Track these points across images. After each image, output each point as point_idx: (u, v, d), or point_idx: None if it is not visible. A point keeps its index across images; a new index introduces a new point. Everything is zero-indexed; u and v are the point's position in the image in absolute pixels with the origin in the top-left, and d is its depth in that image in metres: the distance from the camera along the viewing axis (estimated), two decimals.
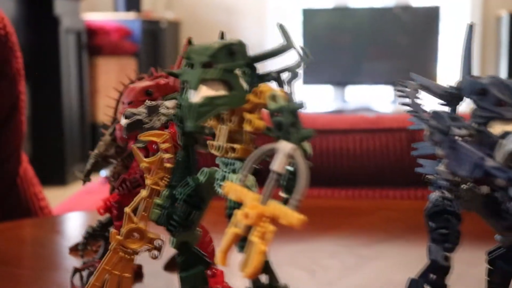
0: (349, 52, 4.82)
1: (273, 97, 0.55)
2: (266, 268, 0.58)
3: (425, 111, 0.61)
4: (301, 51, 0.59)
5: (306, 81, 4.87)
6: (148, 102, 0.71)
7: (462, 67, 0.66)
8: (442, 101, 0.66)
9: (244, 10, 5.10)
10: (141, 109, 0.74)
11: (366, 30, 4.83)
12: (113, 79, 4.36)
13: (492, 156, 0.56)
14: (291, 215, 0.52)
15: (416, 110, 0.61)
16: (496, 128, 0.61)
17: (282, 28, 0.60)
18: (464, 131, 0.57)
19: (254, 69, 0.60)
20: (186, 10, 5.20)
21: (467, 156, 0.56)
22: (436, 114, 0.59)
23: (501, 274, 0.69)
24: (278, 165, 0.53)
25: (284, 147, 0.53)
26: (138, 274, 0.88)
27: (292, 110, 0.54)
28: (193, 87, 0.55)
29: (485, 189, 0.68)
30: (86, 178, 0.86)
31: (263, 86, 0.57)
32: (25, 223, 1.33)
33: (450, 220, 0.62)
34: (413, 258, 0.90)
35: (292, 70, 0.57)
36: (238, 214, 0.53)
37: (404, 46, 4.73)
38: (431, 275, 0.62)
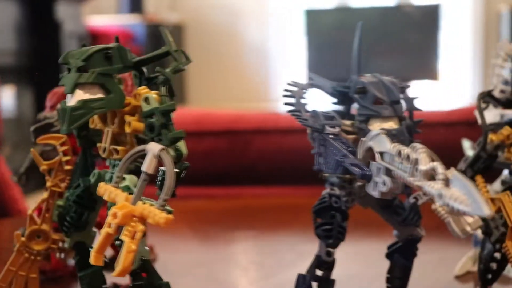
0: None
1: (146, 100, 0.57)
2: (146, 266, 0.59)
3: (307, 111, 0.63)
4: (178, 56, 0.60)
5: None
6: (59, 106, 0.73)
7: (352, 66, 0.68)
8: (334, 100, 0.67)
9: (247, 12, 5.11)
10: (54, 113, 0.77)
11: (369, 29, 4.82)
12: None
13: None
14: (158, 215, 0.53)
15: (299, 109, 0.62)
16: (375, 125, 0.62)
17: (163, 31, 0.61)
18: (337, 129, 0.59)
19: (141, 72, 0.62)
20: (190, 12, 5.22)
21: (333, 154, 0.57)
22: (313, 113, 0.60)
23: (400, 268, 0.70)
24: (147, 166, 0.55)
25: (153, 148, 0.55)
26: (73, 274, 0.90)
27: (163, 112, 0.56)
28: (68, 91, 0.57)
29: None
30: (20, 181, 0.88)
31: (141, 89, 0.59)
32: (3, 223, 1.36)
33: (335, 217, 0.63)
34: (353, 254, 0.91)
35: (166, 73, 0.59)
36: (109, 214, 0.55)
37: (407, 44, 4.72)
38: (318, 271, 0.63)
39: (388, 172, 0.54)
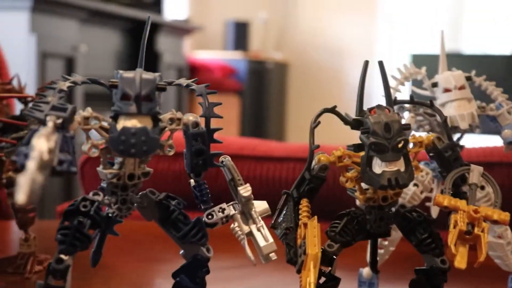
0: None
1: None
2: None
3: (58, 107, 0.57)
4: None
5: None
6: None
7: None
8: None
9: (352, 53, 5.05)
10: None
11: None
12: None
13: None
14: None
15: (44, 102, 0.57)
16: (120, 123, 0.57)
17: None
18: (60, 120, 0.53)
19: None
20: (295, 52, 5.23)
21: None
22: (38, 106, 0.55)
23: None
24: None
25: None
26: None
27: None
28: None
29: (162, 196, 0.63)
30: None
31: None
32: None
33: (75, 222, 0.58)
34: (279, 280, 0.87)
35: None
36: None
37: None
38: (50, 278, 0.58)
39: None
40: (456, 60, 4.79)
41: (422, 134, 0.72)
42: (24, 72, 3.04)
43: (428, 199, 0.85)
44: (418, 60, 4.95)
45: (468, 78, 0.83)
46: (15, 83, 0.97)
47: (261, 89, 4.98)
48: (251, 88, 4.86)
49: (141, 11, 3.88)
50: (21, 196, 0.39)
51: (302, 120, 5.22)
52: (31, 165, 0.41)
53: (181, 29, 4.33)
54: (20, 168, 0.45)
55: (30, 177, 0.40)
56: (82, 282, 0.85)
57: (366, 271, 0.84)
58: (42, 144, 0.44)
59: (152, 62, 4.11)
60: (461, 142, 0.86)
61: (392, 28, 5.09)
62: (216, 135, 0.64)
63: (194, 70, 4.52)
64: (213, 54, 4.83)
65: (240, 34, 4.97)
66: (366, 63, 0.68)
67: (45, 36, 3.01)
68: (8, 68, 1.64)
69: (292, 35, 5.29)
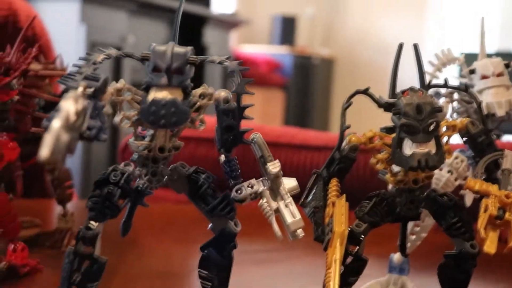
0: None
1: None
2: None
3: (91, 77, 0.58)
4: None
5: None
6: None
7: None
8: None
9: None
10: None
11: None
12: (259, 109, 4.47)
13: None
14: None
15: (77, 72, 0.57)
16: (151, 94, 0.58)
17: None
18: (91, 89, 0.54)
19: None
20: (342, 48, 5.21)
21: None
22: (71, 76, 0.56)
23: (215, 264, 0.65)
24: None
25: None
26: None
27: None
28: None
29: (191, 169, 0.64)
30: None
31: None
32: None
33: (110, 192, 0.59)
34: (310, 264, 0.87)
35: None
36: None
37: None
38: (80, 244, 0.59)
39: None
40: (507, 59, 4.71)
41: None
42: (73, 61, 3.09)
43: (462, 187, 0.83)
44: (469, 59, 4.88)
45: (507, 66, 0.82)
46: (58, 63, 0.99)
47: (306, 85, 4.97)
48: (296, 83, 4.86)
49: (189, 4, 3.90)
50: (44, 151, 0.39)
51: (347, 116, 5.18)
52: (56, 123, 0.42)
53: (228, 23, 4.35)
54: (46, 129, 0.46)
55: (55, 134, 0.41)
56: (117, 256, 0.87)
57: (397, 256, 0.84)
58: (69, 105, 0.45)
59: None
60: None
61: (441, 27, 5.02)
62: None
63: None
64: (259, 48, 4.85)
65: (286, 29, 4.97)
66: (401, 46, 0.68)
67: (95, 26, 3.06)
68: (54, 52, 1.67)
69: (339, 31, 5.27)
